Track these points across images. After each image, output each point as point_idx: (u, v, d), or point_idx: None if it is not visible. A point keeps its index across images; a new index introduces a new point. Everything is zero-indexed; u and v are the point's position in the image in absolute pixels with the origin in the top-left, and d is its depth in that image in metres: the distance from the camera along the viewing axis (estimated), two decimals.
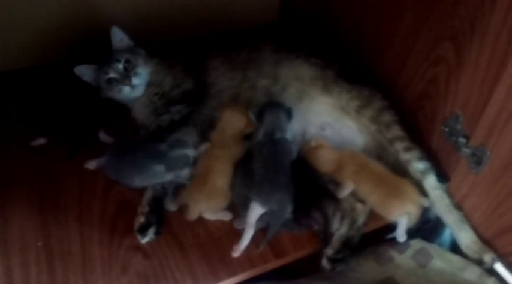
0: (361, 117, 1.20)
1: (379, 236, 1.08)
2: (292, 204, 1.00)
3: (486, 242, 1.03)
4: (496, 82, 0.93)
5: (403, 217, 1.03)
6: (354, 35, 1.42)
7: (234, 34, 1.68)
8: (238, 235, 1.01)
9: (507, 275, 1.01)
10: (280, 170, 1.04)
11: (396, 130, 1.15)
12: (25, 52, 1.44)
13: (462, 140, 1.04)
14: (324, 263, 1.01)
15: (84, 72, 1.25)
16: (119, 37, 1.26)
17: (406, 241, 1.05)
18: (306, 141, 1.18)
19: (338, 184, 1.10)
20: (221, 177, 1.08)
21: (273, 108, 1.16)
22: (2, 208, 1.08)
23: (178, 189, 1.10)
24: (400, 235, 1.04)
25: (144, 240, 1.02)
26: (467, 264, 1.03)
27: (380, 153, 1.16)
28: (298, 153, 1.15)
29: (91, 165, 1.17)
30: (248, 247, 1.01)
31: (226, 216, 1.07)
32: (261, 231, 1.02)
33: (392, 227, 1.05)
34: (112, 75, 1.21)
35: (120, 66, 1.22)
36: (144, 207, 1.06)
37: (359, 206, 1.07)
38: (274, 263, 1.02)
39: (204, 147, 1.14)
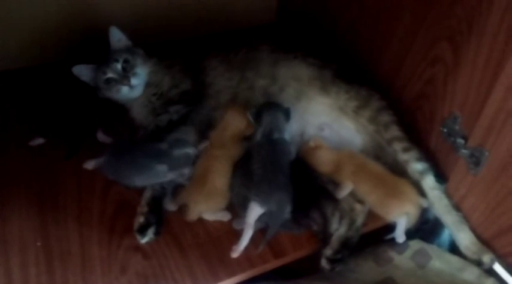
0: (359, 117, 1.20)
1: (378, 236, 1.08)
2: (291, 204, 1.00)
3: (485, 242, 1.03)
4: (494, 82, 0.93)
5: (401, 218, 1.03)
6: (351, 35, 1.42)
7: (231, 34, 1.68)
8: (237, 235, 1.01)
9: (506, 276, 1.01)
10: (279, 170, 1.04)
11: (394, 131, 1.15)
12: (23, 52, 1.44)
13: (460, 141, 1.04)
14: (323, 263, 1.02)
15: (82, 71, 1.25)
16: (117, 37, 1.26)
17: (405, 242, 1.05)
18: (304, 141, 1.18)
19: (337, 185, 1.10)
20: (220, 177, 1.08)
21: (271, 108, 1.16)
22: (1, 208, 1.08)
23: (177, 189, 1.10)
24: (399, 235, 1.04)
25: (144, 240, 1.02)
26: (466, 265, 1.04)
27: (378, 153, 1.16)
28: (297, 153, 1.15)
29: (89, 165, 1.17)
30: (247, 247, 1.01)
31: (225, 216, 1.07)
32: (260, 231, 1.02)
33: (391, 227, 1.05)
34: (110, 75, 1.21)
35: (119, 66, 1.22)
36: (143, 207, 1.06)
37: (358, 206, 1.07)
38: (273, 264, 1.02)
39: (204, 145, 1.15)
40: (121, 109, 1.29)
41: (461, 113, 1.05)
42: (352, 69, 1.33)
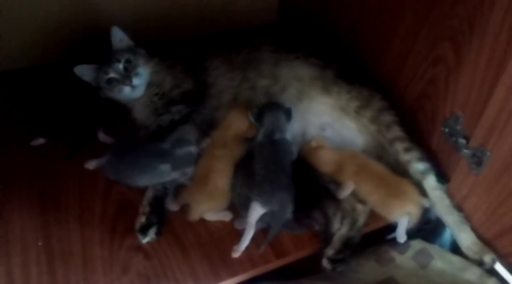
0: (360, 117, 1.20)
1: (379, 236, 1.08)
2: (293, 204, 1.00)
3: (487, 243, 1.03)
4: (496, 82, 0.93)
5: (403, 218, 1.03)
6: (353, 35, 1.42)
7: (233, 34, 1.68)
8: (239, 235, 1.01)
9: (508, 276, 1.01)
10: (281, 170, 1.04)
11: (396, 131, 1.15)
12: (25, 52, 1.44)
13: (462, 141, 1.04)
14: (325, 263, 1.02)
15: (84, 71, 1.25)
16: (119, 37, 1.26)
17: (407, 242, 1.05)
18: (306, 141, 1.18)
19: (338, 185, 1.10)
20: (222, 177, 1.07)
21: (273, 108, 1.16)
22: (3, 209, 1.08)
23: (179, 189, 1.10)
24: (400, 235, 1.04)
25: (145, 240, 1.02)
26: (467, 265, 1.03)
27: (380, 153, 1.16)
28: (299, 153, 1.15)
29: (91, 165, 1.17)
30: (249, 247, 1.01)
31: (227, 216, 1.07)
32: (262, 231, 1.02)
33: (392, 227, 1.05)
34: (112, 75, 1.21)
35: (121, 66, 1.22)
36: (145, 207, 1.06)
37: (359, 206, 1.07)
38: (275, 263, 1.02)
39: (206, 142, 1.15)
40: (122, 109, 1.29)
41: (463, 113, 1.05)
42: (354, 69, 1.33)
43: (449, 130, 1.09)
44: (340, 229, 1.05)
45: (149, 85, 1.27)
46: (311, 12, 1.61)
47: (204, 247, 1.03)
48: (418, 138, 1.16)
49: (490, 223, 1.02)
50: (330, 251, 1.02)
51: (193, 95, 1.26)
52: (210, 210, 1.06)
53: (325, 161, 1.13)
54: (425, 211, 1.07)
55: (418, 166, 1.10)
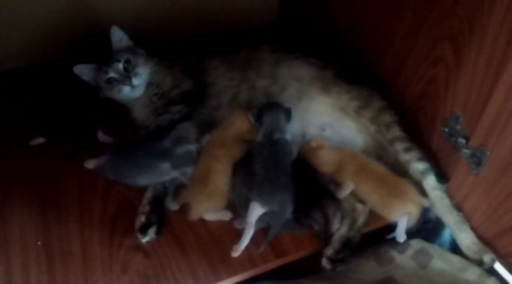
0: (360, 117, 1.20)
1: (379, 236, 1.08)
2: (292, 204, 1.01)
3: (487, 243, 1.03)
4: (496, 82, 0.93)
5: (403, 217, 1.03)
6: (353, 35, 1.42)
7: (232, 34, 1.68)
8: (239, 234, 1.01)
9: (507, 276, 1.01)
10: (280, 170, 1.04)
11: (396, 131, 1.16)
12: (24, 51, 1.43)
13: (462, 141, 1.04)
14: (324, 263, 1.02)
15: (84, 71, 1.25)
16: (118, 37, 1.26)
17: (406, 241, 1.06)
18: (305, 141, 1.18)
19: (338, 185, 1.10)
20: (221, 177, 1.08)
21: (272, 109, 1.16)
22: (2, 208, 1.07)
23: (178, 188, 1.10)
24: (400, 234, 1.04)
25: (145, 239, 1.02)
26: (467, 265, 1.04)
27: (380, 153, 1.16)
28: (298, 153, 1.15)
29: (90, 164, 1.17)
30: (249, 247, 1.01)
31: (226, 216, 1.07)
32: (262, 231, 1.02)
33: (392, 227, 1.05)
34: (112, 75, 1.21)
35: (120, 66, 1.22)
36: (145, 207, 1.06)
37: (359, 206, 1.07)
38: (274, 263, 1.02)
39: (206, 138, 1.15)
40: (122, 109, 1.29)
41: (463, 113, 1.05)
42: (354, 69, 1.33)
43: (449, 130, 1.09)
44: (340, 229, 1.05)
45: (149, 85, 1.26)
46: (311, 12, 1.61)
47: (203, 247, 1.03)
48: (418, 138, 1.17)
49: (490, 223, 1.02)
50: (329, 251, 1.02)
51: (193, 95, 1.26)
52: (210, 209, 1.06)
53: (325, 161, 1.13)
54: (425, 211, 1.07)
55: (417, 166, 1.10)
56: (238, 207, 1.07)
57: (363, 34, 1.37)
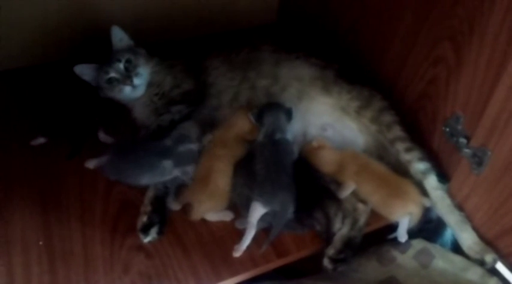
0: (361, 117, 1.20)
1: (381, 236, 1.08)
2: (294, 204, 1.01)
3: (488, 243, 1.03)
4: (496, 82, 0.93)
5: (404, 217, 1.03)
6: (353, 35, 1.42)
7: (233, 34, 1.68)
8: (240, 234, 1.01)
9: (509, 276, 1.01)
10: (282, 170, 1.04)
11: (397, 131, 1.16)
12: (25, 51, 1.43)
13: (463, 140, 1.05)
14: (325, 263, 1.02)
15: (84, 71, 1.25)
16: (119, 36, 1.26)
17: (408, 241, 1.06)
18: (306, 141, 1.19)
19: (339, 185, 1.10)
20: (223, 177, 1.08)
21: (273, 109, 1.16)
22: (3, 208, 1.07)
23: (180, 188, 1.10)
24: (401, 234, 1.04)
25: (147, 239, 1.02)
26: (469, 264, 1.04)
27: (381, 153, 1.17)
28: (300, 153, 1.16)
29: (91, 164, 1.17)
30: (250, 247, 1.01)
31: (228, 216, 1.07)
32: (264, 231, 1.02)
33: (393, 227, 1.05)
34: (113, 74, 1.21)
35: (121, 66, 1.22)
36: (146, 207, 1.06)
37: (361, 206, 1.07)
38: (276, 263, 1.02)
39: (208, 138, 1.15)
40: (123, 109, 1.29)
41: (463, 113, 1.05)
42: (354, 69, 1.33)
43: (450, 130, 1.09)
44: (342, 229, 1.05)
45: (149, 85, 1.26)
46: (311, 12, 1.61)
47: (205, 247, 1.03)
48: (419, 138, 1.17)
49: (491, 223, 1.02)
50: (331, 251, 1.02)
51: (193, 95, 1.26)
52: (212, 209, 1.06)
53: (326, 161, 1.13)
54: (427, 211, 1.07)
55: (419, 166, 1.10)
56: (239, 207, 1.07)
57: (363, 34, 1.38)
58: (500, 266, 1.03)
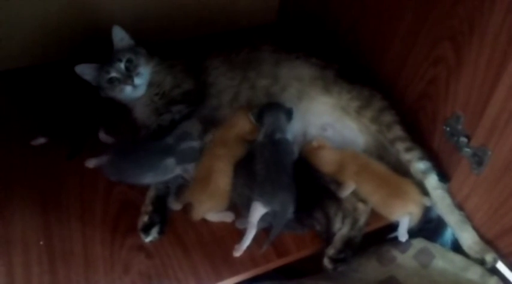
0: (361, 117, 1.20)
1: (381, 236, 1.08)
2: (294, 204, 1.00)
3: (488, 242, 1.03)
4: (496, 82, 0.93)
5: (405, 217, 1.03)
6: (353, 35, 1.42)
7: (233, 34, 1.68)
8: (241, 234, 1.01)
9: (510, 275, 1.01)
10: (282, 170, 1.04)
11: (397, 131, 1.16)
12: (25, 51, 1.43)
13: (463, 140, 1.05)
14: (326, 262, 1.02)
15: (85, 71, 1.25)
16: (120, 36, 1.26)
17: (408, 241, 1.06)
18: (306, 141, 1.19)
19: (340, 184, 1.10)
20: (223, 177, 1.07)
21: (273, 109, 1.16)
22: (4, 208, 1.07)
23: (181, 188, 1.10)
24: (401, 234, 1.04)
25: (148, 239, 1.02)
26: (469, 264, 1.04)
27: (381, 153, 1.17)
28: (300, 153, 1.16)
29: (91, 163, 1.17)
30: (251, 247, 1.01)
31: (228, 217, 1.07)
32: (264, 231, 1.02)
33: (394, 226, 1.06)
34: (114, 74, 1.21)
35: (122, 65, 1.22)
36: (147, 206, 1.06)
37: (361, 206, 1.07)
38: (276, 263, 1.02)
39: (209, 137, 1.15)
40: (123, 108, 1.29)
41: (464, 113, 1.05)
42: (354, 69, 1.33)
43: (450, 129, 1.09)
44: (342, 229, 1.05)
45: (150, 85, 1.26)
46: (311, 12, 1.62)
47: (205, 247, 1.03)
48: (419, 137, 1.17)
49: (492, 222, 1.02)
50: (331, 251, 1.02)
51: (194, 95, 1.26)
52: (212, 209, 1.06)
53: (327, 161, 1.13)
54: (427, 211, 1.07)
55: (419, 165, 1.10)
56: (240, 207, 1.07)
57: (363, 34, 1.38)
58: (500, 266, 1.03)
